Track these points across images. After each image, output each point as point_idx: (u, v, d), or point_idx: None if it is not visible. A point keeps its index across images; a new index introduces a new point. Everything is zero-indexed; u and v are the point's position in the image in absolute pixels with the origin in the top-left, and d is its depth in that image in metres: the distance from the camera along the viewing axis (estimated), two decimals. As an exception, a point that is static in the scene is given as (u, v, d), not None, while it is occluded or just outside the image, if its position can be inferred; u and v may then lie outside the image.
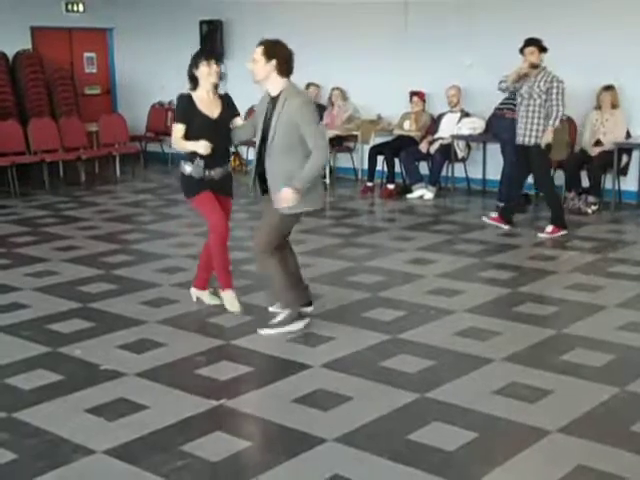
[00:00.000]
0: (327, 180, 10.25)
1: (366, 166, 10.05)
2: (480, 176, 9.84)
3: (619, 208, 8.53)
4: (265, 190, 4.96)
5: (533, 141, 7.33)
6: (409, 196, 9.49)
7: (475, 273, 6.33)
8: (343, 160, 10.85)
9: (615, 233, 7.65)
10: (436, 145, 9.49)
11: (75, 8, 12.61)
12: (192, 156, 5.14)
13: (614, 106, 8.55)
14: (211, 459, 3.49)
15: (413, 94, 9.77)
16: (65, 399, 4.10)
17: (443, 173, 9.67)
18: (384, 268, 6.46)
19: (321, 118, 10.42)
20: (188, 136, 5.10)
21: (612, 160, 8.33)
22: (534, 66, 7.29)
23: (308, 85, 10.68)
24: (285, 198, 4.68)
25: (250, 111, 11.95)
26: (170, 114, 12.53)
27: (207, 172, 5.15)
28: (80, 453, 3.56)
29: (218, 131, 5.14)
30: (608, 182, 8.58)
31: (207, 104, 5.19)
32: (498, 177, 8.80)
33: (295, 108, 4.67)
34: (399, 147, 9.67)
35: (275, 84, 4.78)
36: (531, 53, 7.30)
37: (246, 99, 11.59)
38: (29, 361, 4.61)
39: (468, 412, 3.89)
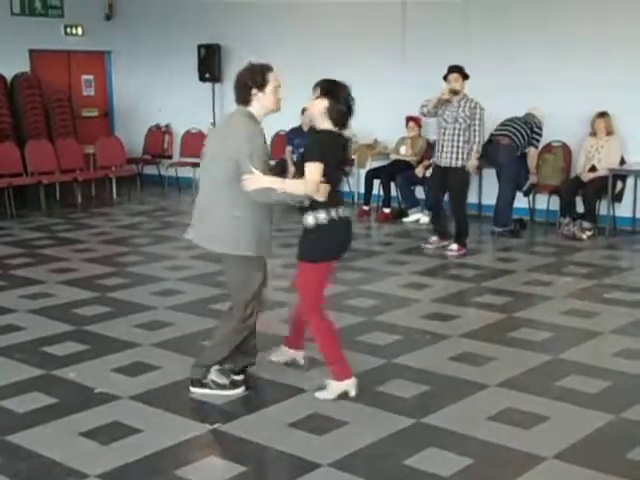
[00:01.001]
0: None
1: (362, 190, 10.08)
2: (476, 200, 9.86)
3: (614, 234, 8.55)
4: None
5: (460, 163, 7.66)
6: (405, 220, 9.51)
7: (470, 298, 6.33)
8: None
9: (610, 259, 7.67)
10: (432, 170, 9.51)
11: (74, 31, 12.70)
12: (318, 204, 4.23)
13: (609, 133, 8.60)
14: (205, 484, 3.48)
15: (409, 119, 9.82)
16: (59, 422, 4.08)
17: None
18: (379, 292, 6.46)
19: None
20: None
21: (607, 186, 8.37)
22: (455, 92, 7.59)
23: (303, 110, 10.73)
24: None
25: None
26: (167, 137, 12.61)
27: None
28: (73, 477, 3.53)
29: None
30: (603, 208, 8.61)
31: None
32: (494, 202, 8.84)
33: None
34: (395, 171, 9.71)
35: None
36: (455, 80, 7.58)
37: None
38: (23, 384, 4.59)
39: (463, 438, 3.88)
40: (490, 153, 8.89)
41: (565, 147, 9.08)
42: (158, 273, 7.11)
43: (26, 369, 4.79)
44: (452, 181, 7.77)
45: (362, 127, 10.34)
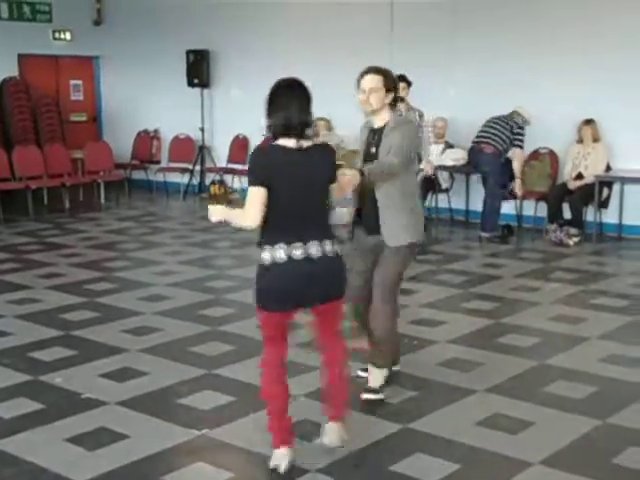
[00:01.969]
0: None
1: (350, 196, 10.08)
2: (463, 207, 9.91)
3: (600, 240, 8.60)
4: (372, 229, 4.37)
5: (422, 170, 8.04)
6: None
7: (458, 304, 6.35)
8: (328, 190, 10.91)
9: (596, 265, 7.72)
10: (420, 175, 9.54)
11: (62, 36, 12.69)
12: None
13: (595, 140, 8.66)
14: (192, 490, 3.47)
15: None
16: (45, 428, 4.06)
17: (427, 203, 9.73)
18: (368, 298, 6.46)
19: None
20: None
21: (593, 193, 8.42)
22: (402, 99, 7.82)
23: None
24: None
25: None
26: (156, 142, 12.60)
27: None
28: (60, 483, 3.52)
29: None
30: (589, 214, 8.67)
31: None
32: (480, 208, 8.88)
33: (400, 134, 4.26)
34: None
35: (384, 115, 4.35)
36: (403, 89, 7.79)
37: (229, 128, 11.75)
38: (9, 389, 4.57)
39: (451, 443, 3.89)
40: (473, 160, 8.94)
41: (552, 154, 9.13)
42: (146, 278, 7.09)
43: (13, 374, 4.78)
44: None
45: (350, 133, 10.38)
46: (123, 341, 5.38)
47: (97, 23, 12.95)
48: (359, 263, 4.47)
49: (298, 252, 3.48)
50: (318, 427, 4.04)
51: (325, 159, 3.61)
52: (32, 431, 4.03)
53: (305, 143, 3.51)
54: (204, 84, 11.67)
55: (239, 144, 11.76)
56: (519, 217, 9.29)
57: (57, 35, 12.63)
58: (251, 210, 3.55)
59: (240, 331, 5.58)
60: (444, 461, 3.70)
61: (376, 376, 4.44)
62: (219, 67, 11.79)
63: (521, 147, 8.83)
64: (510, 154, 8.81)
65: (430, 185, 9.49)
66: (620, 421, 4.13)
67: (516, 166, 8.86)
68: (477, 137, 8.82)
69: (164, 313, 6.03)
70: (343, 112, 10.27)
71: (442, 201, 9.70)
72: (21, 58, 12.22)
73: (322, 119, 10.48)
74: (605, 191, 8.66)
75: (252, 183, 3.50)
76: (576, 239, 8.42)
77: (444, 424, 4.10)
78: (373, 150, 4.37)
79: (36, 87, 12.15)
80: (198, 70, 11.62)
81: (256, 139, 11.45)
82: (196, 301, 6.35)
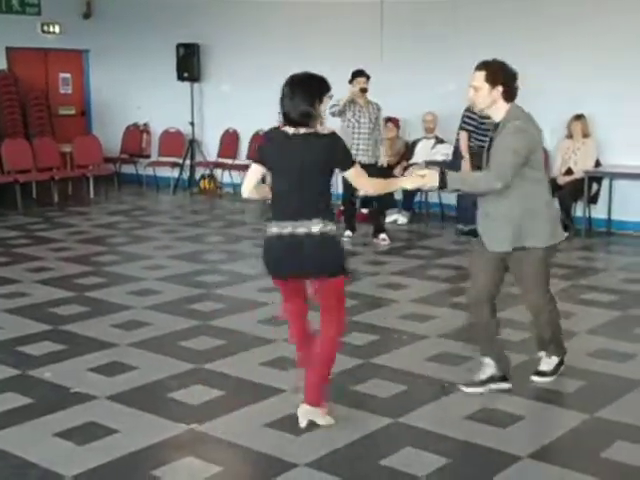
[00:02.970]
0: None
1: (341, 190, 10.09)
2: (454, 202, 9.91)
3: (589, 235, 8.63)
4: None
5: (374, 160, 8.29)
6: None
7: (448, 298, 6.36)
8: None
9: (586, 260, 7.74)
10: (410, 171, 9.54)
11: (51, 29, 12.60)
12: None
13: (585, 135, 8.68)
14: (182, 484, 3.47)
15: (387, 120, 9.85)
16: (34, 423, 4.05)
17: (417, 199, 9.75)
18: (357, 292, 6.46)
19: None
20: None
21: (582, 188, 8.45)
22: (364, 90, 8.27)
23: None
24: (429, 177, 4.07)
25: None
26: (145, 136, 12.55)
27: None
28: (48, 478, 3.51)
29: None
30: (579, 210, 8.70)
31: None
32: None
33: (505, 133, 4.13)
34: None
35: (500, 110, 4.21)
36: (364, 82, 8.25)
37: (220, 122, 11.73)
38: (-2, 384, 4.55)
39: (440, 437, 3.90)
40: (458, 156, 8.89)
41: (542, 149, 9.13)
42: (136, 273, 7.07)
43: (1, 369, 4.75)
44: (372, 176, 7.80)
45: (339, 128, 10.41)
46: (113, 335, 5.37)
47: (86, 16, 12.88)
48: None
49: (286, 230, 3.79)
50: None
51: (320, 145, 3.79)
52: (21, 426, 4.01)
53: (303, 130, 3.78)
54: (194, 78, 11.63)
55: (229, 138, 11.73)
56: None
57: (46, 28, 12.54)
58: (245, 182, 4.01)
59: (230, 325, 5.58)
60: (433, 455, 3.71)
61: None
62: (209, 61, 11.76)
63: (464, 129, 8.63)
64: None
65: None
66: (608, 415, 4.15)
67: (462, 146, 8.62)
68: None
69: (154, 307, 6.01)
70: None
71: (432, 196, 9.71)
72: (10, 51, 12.13)
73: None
74: (594, 186, 8.70)
75: (253, 160, 4.05)
76: (566, 234, 8.43)
77: (434, 418, 4.11)
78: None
79: (25, 80, 12.09)
80: (188, 64, 11.58)
81: (247, 133, 11.47)
82: (186, 295, 6.34)
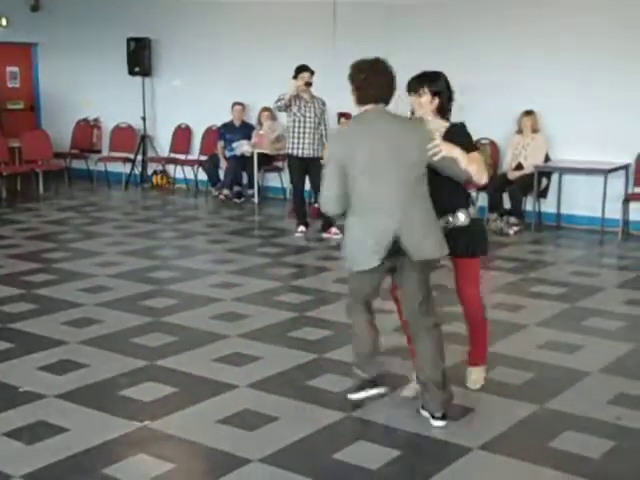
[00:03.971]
0: (256, 199, 10.28)
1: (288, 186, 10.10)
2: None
3: (539, 229, 8.77)
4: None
5: (319, 154, 8.27)
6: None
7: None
8: (272, 179, 10.88)
9: (536, 254, 7.86)
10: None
11: (-2, 22, 12.37)
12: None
13: (535, 130, 8.81)
14: (133, 482, 3.44)
15: (341, 115, 9.88)
16: (-18, 423, 3.98)
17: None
18: (311, 288, 6.48)
19: (249, 137, 10.55)
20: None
21: (532, 183, 8.58)
22: (309, 85, 8.38)
23: (233, 104, 10.71)
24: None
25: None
26: (96, 131, 12.39)
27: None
28: (-3, 478, 3.46)
29: None
30: (529, 204, 8.83)
31: None
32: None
33: None
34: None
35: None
36: (309, 77, 8.37)
37: (172, 117, 11.63)
38: (-56, 384, 4.46)
39: (392, 430, 3.93)
40: None
41: (492, 144, 9.27)
42: (87, 269, 6.98)
43: (-52, 369, 4.66)
44: (317, 170, 7.75)
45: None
46: (63, 333, 5.30)
47: (34, 9, 12.64)
48: None
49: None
50: (259, 417, 4.05)
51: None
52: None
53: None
54: (145, 73, 11.50)
55: (182, 134, 11.64)
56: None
57: (-7, 21, 12.32)
58: None
59: (183, 322, 5.55)
60: (385, 448, 3.74)
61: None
62: (161, 56, 11.63)
63: None
64: None
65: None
66: (557, 406, 4.23)
67: None
68: None
69: (105, 304, 5.95)
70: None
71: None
72: (-45, 44, 11.89)
73: (267, 109, 10.46)
74: (544, 181, 8.83)
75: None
76: (516, 228, 8.57)
77: (385, 412, 4.14)
78: None
79: (-29, 74, 11.86)
80: (139, 58, 11.45)
81: (198, 128, 11.39)
82: (138, 292, 6.28)
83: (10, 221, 9.21)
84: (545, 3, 8.80)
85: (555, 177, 8.91)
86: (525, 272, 7.01)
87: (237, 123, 10.74)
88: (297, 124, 8.40)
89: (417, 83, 4.18)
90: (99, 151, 12.28)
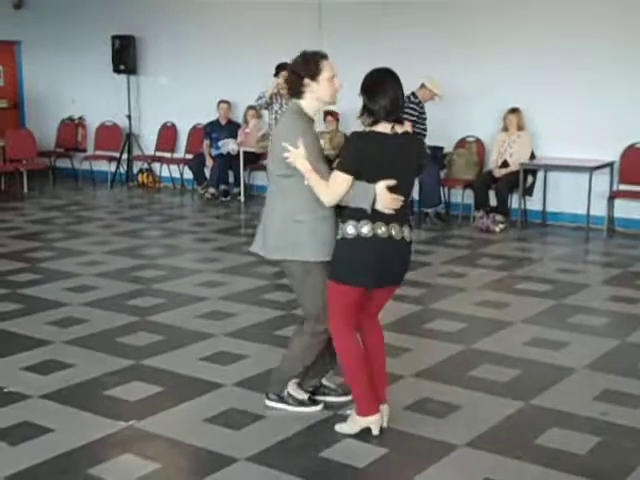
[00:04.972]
0: (242, 198, 10.26)
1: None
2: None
3: (525, 227, 8.80)
4: None
5: None
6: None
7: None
8: (258, 178, 10.86)
9: (521, 251, 7.89)
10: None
11: (-19, 20, 12.28)
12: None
13: (520, 128, 8.84)
14: (119, 482, 3.42)
15: (327, 114, 9.87)
16: (-34, 424, 3.95)
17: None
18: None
19: (235, 136, 10.52)
20: None
21: (518, 180, 8.60)
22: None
23: (219, 102, 10.69)
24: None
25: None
26: (81, 130, 12.32)
27: None
28: (-19, 479, 3.43)
29: None
30: (515, 201, 8.85)
31: None
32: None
33: None
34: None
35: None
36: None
37: (157, 116, 11.59)
38: None
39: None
40: None
41: (478, 142, 9.29)
42: (72, 269, 6.94)
43: None
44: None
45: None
46: (48, 333, 5.26)
47: (17, 6, 12.53)
48: None
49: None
50: (246, 415, 4.04)
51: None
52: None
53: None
54: (130, 71, 11.45)
55: (167, 132, 11.59)
56: (447, 204, 9.42)
57: (-25, 19, 12.22)
58: None
59: (169, 321, 5.53)
60: (373, 446, 3.74)
61: None
62: (146, 54, 11.58)
63: (407, 120, 8.67)
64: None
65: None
66: (543, 402, 4.24)
67: None
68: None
69: (91, 304, 5.91)
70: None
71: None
72: (-62, 42, 11.80)
73: (252, 107, 10.44)
74: (530, 179, 8.86)
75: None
76: (502, 226, 8.59)
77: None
78: None
79: (-46, 72, 11.77)
80: (124, 56, 11.38)
81: (184, 127, 11.36)
82: (124, 291, 6.25)
83: (-6, 220, 9.15)
84: (529, 5, 8.84)
85: (540, 174, 8.94)
86: (511, 269, 7.03)
87: (223, 121, 10.72)
88: (274, 122, 8.34)
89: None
90: (84, 150, 12.22)
